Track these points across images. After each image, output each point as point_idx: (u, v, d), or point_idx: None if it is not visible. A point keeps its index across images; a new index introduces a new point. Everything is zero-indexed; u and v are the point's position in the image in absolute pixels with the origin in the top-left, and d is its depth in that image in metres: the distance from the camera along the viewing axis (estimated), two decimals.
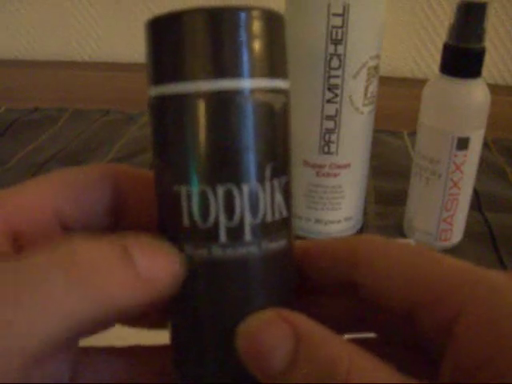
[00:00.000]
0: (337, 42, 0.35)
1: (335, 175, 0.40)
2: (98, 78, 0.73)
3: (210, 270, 0.16)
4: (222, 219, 0.15)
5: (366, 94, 0.38)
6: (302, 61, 0.37)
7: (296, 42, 0.36)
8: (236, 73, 0.15)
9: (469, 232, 0.43)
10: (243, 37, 0.15)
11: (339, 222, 0.42)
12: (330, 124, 0.38)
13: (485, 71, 0.38)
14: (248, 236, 0.15)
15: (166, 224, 0.16)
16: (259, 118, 0.15)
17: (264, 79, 0.15)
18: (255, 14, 0.15)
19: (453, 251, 0.42)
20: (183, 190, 0.15)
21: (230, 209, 0.15)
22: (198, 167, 0.15)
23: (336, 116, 0.38)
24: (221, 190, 0.15)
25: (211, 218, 0.15)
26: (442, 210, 0.40)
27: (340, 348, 0.14)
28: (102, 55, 0.79)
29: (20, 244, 0.17)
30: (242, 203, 0.15)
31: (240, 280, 0.16)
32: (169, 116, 0.16)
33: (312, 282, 0.18)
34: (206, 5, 0.15)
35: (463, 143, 0.38)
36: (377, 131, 0.46)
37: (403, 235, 0.44)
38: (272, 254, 0.16)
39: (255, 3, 0.15)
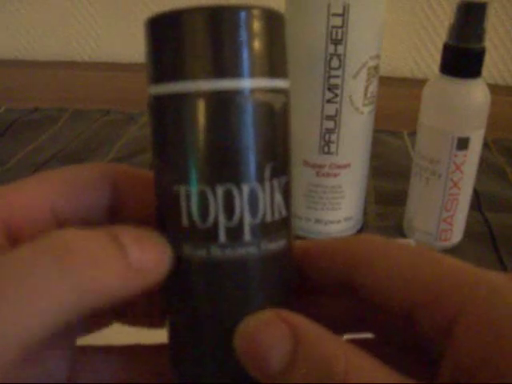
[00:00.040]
0: (337, 42, 0.35)
1: (335, 175, 0.40)
2: (97, 78, 0.73)
3: (208, 270, 0.16)
4: (222, 219, 0.15)
5: (365, 94, 0.38)
6: (302, 61, 0.37)
7: (296, 41, 0.36)
8: (236, 72, 0.15)
9: (469, 232, 0.43)
10: (243, 36, 0.15)
11: (339, 222, 0.42)
12: (330, 124, 0.38)
13: (485, 71, 0.38)
14: (247, 236, 0.15)
15: (165, 224, 0.16)
16: (259, 117, 0.15)
17: (264, 79, 0.15)
18: (255, 13, 0.15)
19: (453, 251, 0.42)
20: (182, 189, 0.15)
21: (229, 209, 0.15)
22: (198, 167, 0.15)
23: (336, 116, 0.38)
24: (220, 190, 0.15)
25: (210, 218, 0.15)
26: (442, 210, 0.40)
27: (338, 348, 0.14)
28: (101, 55, 0.79)
29: (17, 241, 0.17)
30: (241, 203, 0.15)
31: (239, 280, 0.16)
32: (168, 115, 0.15)
33: (311, 282, 0.18)
34: (206, 4, 0.15)
35: (463, 143, 0.38)
36: (377, 131, 0.46)
37: (403, 235, 0.44)
38: (271, 254, 0.16)
39: (255, 2, 0.15)
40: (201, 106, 0.15)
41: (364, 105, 0.38)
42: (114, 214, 0.18)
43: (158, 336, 0.19)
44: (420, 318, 0.15)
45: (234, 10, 0.15)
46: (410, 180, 0.42)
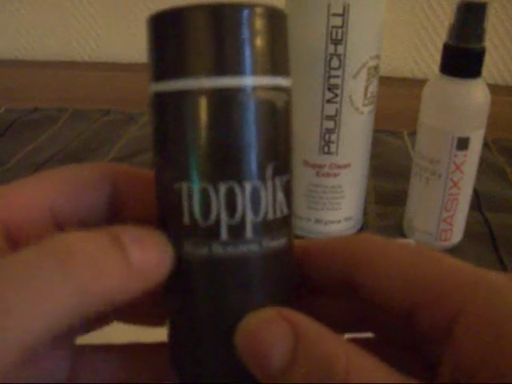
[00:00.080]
0: (337, 42, 0.35)
1: (335, 175, 0.40)
2: (97, 78, 0.73)
3: (210, 268, 0.16)
4: (224, 217, 0.15)
5: (366, 94, 0.38)
6: (302, 61, 0.37)
7: (296, 42, 0.36)
8: (238, 70, 0.15)
9: (469, 232, 0.43)
10: (245, 34, 0.15)
11: (339, 222, 0.42)
12: (330, 124, 0.38)
13: (485, 71, 0.38)
14: (249, 234, 0.15)
15: (166, 222, 0.16)
16: (261, 115, 0.15)
17: (266, 77, 0.15)
18: (258, 10, 0.15)
19: (453, 251, 0.42)
20: (184, 187, 0.15)
21: (231, 206, 0.15)
22: (200, 164, 0.15)
23: (336, 116, 0.38)
24: (222, 188, 0.15)
25: (212, 216, 0.15)
26: (442, 209, 0.40)
27: (339, 347, 0.14)
28: (101, 55, 0.79)
29: (16, 242, 0.16)
30: (243, 201, 0.15)
31: (240, 278, 0.16)
32: (170, 113, 0.15)
33: (312, 282, 0.18)
34: (208, 1, 0.15)
35: (463, 143, 0.38)
36: (377, 131, 0.46)
37: (403, 235, 0.44)
38: (273, 252, 0.16)
39: (257, 1, 0.15)
40: (203, 104, 0.15)
41: (364, 105, 0.38)
42: (114, 213, 0.18)
43: (158, 335, 0.19)
44: (420, 318, 0.15)
45: (237, 8, 0.15)
46: (410, 180, 0.42)
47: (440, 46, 0.38)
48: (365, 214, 0.46)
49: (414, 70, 0.73)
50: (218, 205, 0.15)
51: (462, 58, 0.36)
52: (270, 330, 0.14)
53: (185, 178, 0.15)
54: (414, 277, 0.15)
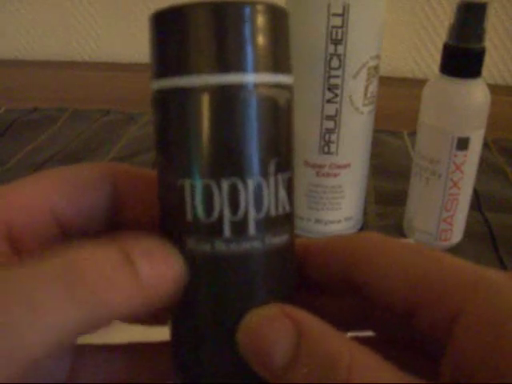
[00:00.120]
0: (337, 42, 0.35)
1: (335, 175, 0.40)
2: (98, 78, 0.73)
3: (212, 265, 0.16)
4: (227, 213, 0.15)
5: (365, 94, 0.38)
6: (302, 61, 0.37)
7: (296, 41, 0.36)
8: (240, 67, 0.15)
9: (469, 232, 0.43)
10: (247, 31, 0.15)
11: (339, 221, 0.42)
12: (330, 124, 0.38)
13: (485, 71, 0.38)
14: (252, 230, 0.15)
15: (169, 219, 0.16)
16: (263, 112, 0.15)
17: (268, 74, 0.15)
18: (259, 8, 0.15)
19: (453, 251, 0.42)
20: (187, 184, 0.15)
21: (234, 203, 0.15)
22: (202, 161, 0.15)
23: (336, 116, 0.38)
24: (225, 184, 0.15)
25: (215, 213, 0.15)
26: (442, 209, 0.40)
27: (342, 344, 0.14)
28: (101, 55, 0.79)
29: (17, 243, 0.16)
30: (246, 197, 0.15)
31: (243, 275, 0.16)
32: (172, 110, 0.16)
33: (312, 281, 0.18)
34: None
35: (463, 143, 0.38)
36: (377, 131, 0.46)
37: (403, 235, 0.44)
38: (275, 248, 0.16)
39: None
40: (205, 101, 0.15)
41: (364, 105, 0.38)
42: (115, 213, 0.18)
43: (160, 334, 0.19)
44: (420, 317, 0.15)
45: (239, 5, 0.15)
46: (410, 180, 0.42)
47: (440, 46, 0.38)
48: (365, 214, 0.46)
49: (414, 69, 0.73)
50: (221, 201, 0.15)
51: (462, 58, 0.36)
52: (273, 326, 0.14)
53: (187, 175, 0.15)
54: (415, 276, 0.15)
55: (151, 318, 0.20)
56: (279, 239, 0.16)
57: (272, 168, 0.16)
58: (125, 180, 0.18)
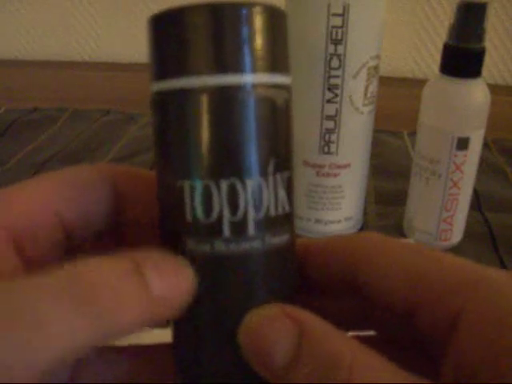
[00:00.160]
0: (337, 42, 0.35)
1: (335, 175, 0.40)
2: (97, 78, 0.73)
3: (212, 265, 0.16)
4: (226, 214, 0.15)
5: (365, 94, 0.38)
6: (302, 61, 0.37)
7: (296, 41, 0.36)
8: (238, 68, 0.15)
9: (469, 232, 0.43)
10: (245, 32, 0.15)
11: (339, 221, 0.42)
12: (330, 124, 0.38)
13: (485, 71, 0.38)
14: (251, 230, 0.15)
15: (169, 220, 0.16)
16: (261, 112, 0.15)
17: (266, 74, 0.16)
18: (257, 9, 0.15)
19: (453, 251, 0.42)
20: (186, 184, 0.15)
21: (233, 203, 0.15)
22: (201, 162, 0.15)
23: (336, 116, 0.38)
24: (224, 185, 0.15)
25: (215, 213, 0.15)
26: (442, 209, 0.40)
27: (344, 344, 0.14)
28: (101, 55, 0.79)
29: (22, 247, 0.16)
30: (245, 198, 0.15)
31: (243, 275, 0.16)
32: (171, 111, 0.16)
33: (313, 281, 0.18)
34: (208, 0, 0.15)
35: (463, 143, 0.38)
36: (377, 131, 0.46)
37: (403, 235, 0.44)
38: (275, 248, 0.16)
39: (257, 0, 0.15)
40: (204, 101, 0.15)
41: (364, 105, 0.38)
42: (116, 214, 0.18)
43: (160, 336, 0.19)
44: (421, 317, 0.15)
45: (236, 7, 0.15)
46: (410, 180, 0.42)
47: (440, 46, 0.38)
48: (365, 214, 0.46)
49: (414, 69, 0.73)
50: (220, 202, 0.15)
51: (462, 58, 0.36)
52: (273, 326, 0.14)
53: (186, 176, 0.15)
54: (415, 276, 0.15)
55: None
56: (279, 239, 0.16)
57: (271, 168, 0.16)
58: (124, 181, 0.18)
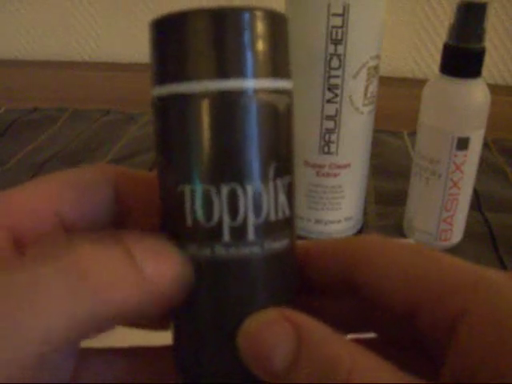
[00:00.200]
0: (337, 42, 0.35)
1: (335, 175, 0.40)
2: (97, 78, 0.73)
3: (212, 269, 0.16)
4: (226, 218, 0.15)
5: (365, 94, 0.38)
6: (302, 61, 0.37)
7: (296, 41, 0.36)
8: (240, 73, 0.15)
9: (469, 232, 0.43)
10: (247, 37, 0.15)
11: (339, 221, 0.42)
12: (330, 124, 0.38)
13: (485, 71, 0.38)
14: (251, 236, 0.15)
15: (169, 224, 0.16)
16: (263, 118, 0.15)
17: (268, 79, 0.16)
18: (258, 14, 0.15)
19: (453, 251, 0.42)
20: (187, 189, 0.15)
21: (233, 208, 0.15)
22: (202, 167, 0.15)
23: (336, 116, 0.38)
24: (225, 190, 0.15)
25: (215, 218, 0.15)
26: (442, 209, 0.40)
27: (342, 347, 0.14)
28: (101, 55, 0.79)
29: (23, 247, 0.16)
30: (245, 203, 0.15)
31: (243, 280, 0.16)
32: (173, 116, 0.16)
33: (313, 283, 0.18)
34: (209, 5, 0.15)
35: (463, 143, 0.38)
36: (377, 131, 0.46)
37: (403, 235, 0.44)
38: (275, 253, 0.16)
39: (257, 3, 0.15)
40: (205, 107, 0.15)
41: (364, 105, 0.38)
42: (117, 215, 0.18)
43: (161, 338, 0.19)
44: (421, 318, 0.15)
45: (238, 12, 0.15)
46: (410, 180, 0.42)
47: (440, 46, 0.38)
48: (365, 214, 0.46)
49: (414, 69, 0.73)
50: (220, 207, 0.15)
51: (462, 58, 0.36)
52: (272, 331, 0.14)
53: (187, 181, 0.15)
54: (415, 276, 0.15)
55: (153, 322, 0.20)
56: (279, 244, 0.16)
57: (271, 173, 0.16)
58: (126, 182, 0.18)
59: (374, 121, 0.41)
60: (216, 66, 0.15)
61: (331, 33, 0.35)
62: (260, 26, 0.15)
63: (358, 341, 0.14)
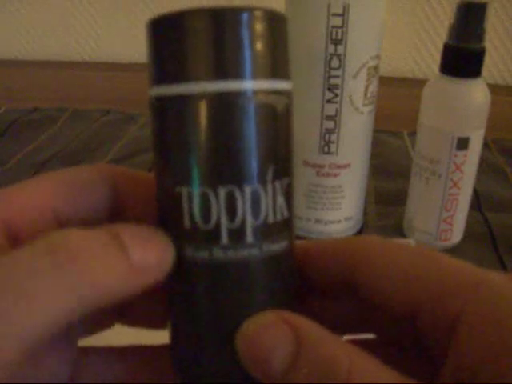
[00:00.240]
0: (337, 42, 0.35)
1: (335, 175, 0.40)
2: (98, 78, 0.73)
3: (210, 271, 0.16)
4: (224, 221, 0.15)
5: (366, 94, 0.38)
6: (302, 61, 0.37)
7: (296, 41, 0.36)
8: (238, 74, 0.15)
9: (469, 232, 0.43)
10: (246, 38, 0.15)
11: (339, 221, 0.42)
12: (330, 124, 0.38)
13: (485, 71, 0.38)
14: (249, 238, 0.15)
15: (167, 225, 0.16)
16: (262, 119, 0.15)
17: (266, 80, 0.15)
18: (258, 14, 0.15)
19: (453, 251, 0.42)
20: (184, 191, 0.15)
21: (231, 210, 0.15)
22: (200, 168, 0.15)
23: (336, 116, 0.38)
24: (222, 192, 0.15)
25: (213, 220, 0.15)
26: (442, 209, 0.40)
27: (341, 349, 0.14)
28: (101, 55, 0.79)
29: (18, 242, 0.16)
30: (243, 205, 0.15)
31: (241, 282, 0.16)
32: (170, 117, 0.15)
33: (312, 283, 0.18)
34: (208, 5, 0.15)
35: (463, 143, 0.38)
36: (377, 131, 0.46)
37: (403, 235, 0.44)
38: (273, 255, 0.16)
39: (256, 3, 0.15)
40: (203, 108, 0.15)
41: (364, 105, 0.38)
42: (115, 215, 0.18)
43: (160, 337, 0.19)
44: (421, 319, 0.15)
45: (236, 12, 0.15)
46: (410, 180, 0.42)
47: (440, 46, 0.38)
48: (365, 214, 0.46)
49: (414, 69, 0.73)
50: (218, 209, 0.15)
51: (462, 58, 0.36)
52: (271, 333, 0.14)
53: (185, 182, 0.15)
54: (415, 277, 0.15)
55: (151, 321, 0.20)
56: (277, 246, 0.16)
57: (270, 175, 0.15)
58: (124, 181, 0.18)
59: (374, 121, 0.41)
60: (214, 66, 0.15)
61: (331, 33, 0.35)
62: (259, 27, 0.15)
63: (356, 342, 0.14)
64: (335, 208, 0.42)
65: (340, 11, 0.35)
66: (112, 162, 0.57)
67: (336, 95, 0.37)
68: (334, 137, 0.39)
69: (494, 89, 0.39)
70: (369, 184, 0.47)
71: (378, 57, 0.38)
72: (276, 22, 0.16)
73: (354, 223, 0.43)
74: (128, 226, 0.15)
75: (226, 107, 0.15)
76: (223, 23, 0.15)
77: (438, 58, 0.38)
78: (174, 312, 0.17)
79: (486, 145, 0.56)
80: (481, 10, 0.35)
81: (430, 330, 0.15)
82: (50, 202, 0.17)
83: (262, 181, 0.15)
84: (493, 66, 0.71)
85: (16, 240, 0.16)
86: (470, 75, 0.37)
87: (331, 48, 0.36)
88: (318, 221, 0.42)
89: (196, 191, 0.15)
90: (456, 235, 0.42)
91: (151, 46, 0.16)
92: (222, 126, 0.15)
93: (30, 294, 0.13)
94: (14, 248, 0.16)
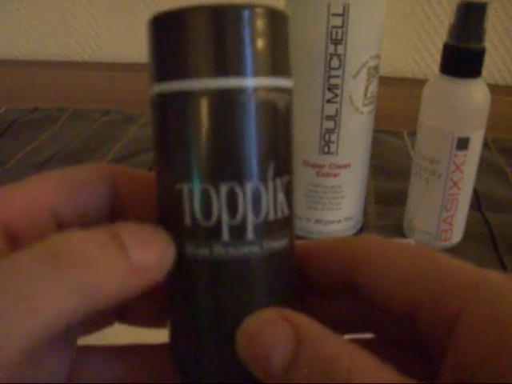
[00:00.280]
0: (337, 42, 0.35)
1: (335, 175, 0.40)
2: (97, 78, 0.73)
3: (211, 268, 0.16)
4: (225, 218, 0.15)
5: (366, 94, 0.38)
6: (302, 61, 0.37)
7: (296, 42, 0.36)
8: (239, 71, 0.15)
9: (469, 232, 0.43)
10: (246, 35, 0.15)
11: (339, 221, 0.42)
12: (330, 124, 0.38)
13: (485, 71, 0.38)
14: (250, 235, 0.15)
15: (167, 223, 0.16)
16: (262, 116, 0.15)
17: (267, 78, 0.15)
18: (258, 11, 0.15)
19: (453, 251, 0.42)
20: (185, 188, 0.15)
21: (232, 207, 0.15)
22: (201, 165, 0.15)
23: (336, 116, 0.38)
24: (224, 189, 0.15)
25: (213, 217, 0.15)
26: (442, 209, 0.40)
27: (341, 347, 0.14)
28: (101, 55, 0.79)
29: (17, 243, 0.16)
30: (244, 202, 0.15)
31: (241, 279, 0.16)
32: (171, 113, 0.15)
33: (312, 283, 0.18)
34: (209, 2, 0.15)
35: (463, 143, 0.38)
36: (377, 131, 0.46)
37: (403, 235, 0.44)
38: (274, 252, 0.16)
39: (257, 1, 0.15)
40: (204, 105, 0.15)
41: (364, 105, 0.38)
42: (115, 214, 0.18)
43: (160, 336, 0.19)
44: (421, 318, 0.15)
45: (237, 9, 0.15)
46: (410, 180, 0.42)
47: (440, 46, 0.38)
48: (365, 214, 0.46)
49: (414, 69, 0.73)
50: (219, 205, 0.15)
51: (462, 58, 0.36)
52: (271, 331, 0.14)
53: (186, 179, 0.15)
54: (415, 277, 0.15)
55: (151, 320, 0.20)
56: (278, 243, 0.16)
57: (271, 172, 0.15)
58: (124, 181, 0.18)
59: (374, 121, 0.41)
60: (215, 63, 0.15)
61: (331, 33, 0.35)
62: (260, 24, 0.15)
63: (356, 341, 0.14)
64: (335, 208, 0.42)
65: (340, 11, 0.35)
66: (112, 162, 0.57)
67: (336, 95, 0.37)
68: (333, 137, 0.39)
69: (494, 89, 0.39)
70: (369, 184, 0.47)
71: (377, 57, 0.38)
72: (277, 19, 0.16)
73: (354, 223, 0.43)
74: (128, 225, 0.15)
75: (227, 104, 0.15)
76: (224, 20, 0.15)
77: (437, 58, 0.38)
78: (174, 310, 0.17)
79: (485, 145, 0.56)
80: (481, 10, 0.35)
81: (429, 329, 0.15)
82: (49, 201, 0.17)
83: (263, 178, 0.15)
84: (493, 66, 0.71)
85: (15, 239, 0.16)
86: (469, 75, 0.37)
87: (331, 48, 0.36)
88: (317, 221, 0.42)
89: (197, 188, 0.15)
90: (456, 235, 0.42)
91: (152, 43, 0.16)
92: (223, 123, 0.15)
93: (31, 296, 0.13)
94: (12, 248, 0.16)
